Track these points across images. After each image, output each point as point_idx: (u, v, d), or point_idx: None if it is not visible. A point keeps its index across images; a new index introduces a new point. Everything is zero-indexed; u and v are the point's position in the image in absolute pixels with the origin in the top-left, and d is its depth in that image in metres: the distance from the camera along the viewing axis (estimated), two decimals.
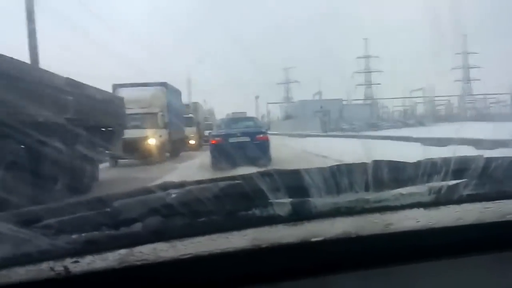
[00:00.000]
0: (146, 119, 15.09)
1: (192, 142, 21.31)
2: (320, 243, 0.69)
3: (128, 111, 12.78)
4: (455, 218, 0.73)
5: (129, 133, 12.55)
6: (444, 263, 0.71)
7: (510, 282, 0.73)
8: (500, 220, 0.73)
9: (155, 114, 15.88)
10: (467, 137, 10.81)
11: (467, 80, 63.13)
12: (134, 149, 13.25)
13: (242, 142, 10.58)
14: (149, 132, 14.79)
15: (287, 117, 61.37)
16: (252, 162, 8.73)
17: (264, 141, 10.80)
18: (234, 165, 8.63)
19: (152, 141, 14.72)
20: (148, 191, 0.80)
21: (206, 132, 23.65)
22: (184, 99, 22.78)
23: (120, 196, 0.79)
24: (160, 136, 15.45)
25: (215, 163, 10.51)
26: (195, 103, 26.58)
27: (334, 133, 31.97)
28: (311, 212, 0.76)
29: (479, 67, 61.52)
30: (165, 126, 16.31)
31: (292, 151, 15.45)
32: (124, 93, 14.83)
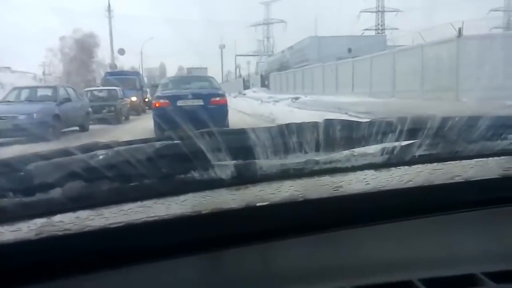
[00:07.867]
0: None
1: None
2: (266, 208, 0.64)
3: None
4: (405, 180, 0.70)
5: None
6: (392, 226, 0.69)
7: (458, 242, 0.72)
8: (448, 182, 0.71)
9: None
10: None
11: None
12: None
13: (194, 106, 8.94)
14: None
15: (282, 67, 40.34)
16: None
17: (221, 105, 9.22)
18: None
19: None
20: (69, 152, 0.71)
21: None
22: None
23: (34, 158, 0.69)
24: None
25: (159, 132, 8.67)
26: None
27: None
28: (256, 175, 0.70)
29: None
30: None
31: None
32: None
